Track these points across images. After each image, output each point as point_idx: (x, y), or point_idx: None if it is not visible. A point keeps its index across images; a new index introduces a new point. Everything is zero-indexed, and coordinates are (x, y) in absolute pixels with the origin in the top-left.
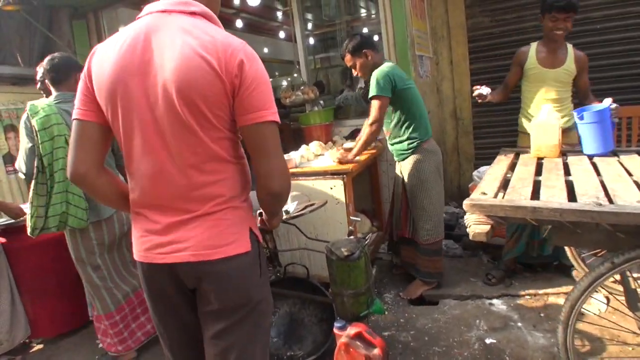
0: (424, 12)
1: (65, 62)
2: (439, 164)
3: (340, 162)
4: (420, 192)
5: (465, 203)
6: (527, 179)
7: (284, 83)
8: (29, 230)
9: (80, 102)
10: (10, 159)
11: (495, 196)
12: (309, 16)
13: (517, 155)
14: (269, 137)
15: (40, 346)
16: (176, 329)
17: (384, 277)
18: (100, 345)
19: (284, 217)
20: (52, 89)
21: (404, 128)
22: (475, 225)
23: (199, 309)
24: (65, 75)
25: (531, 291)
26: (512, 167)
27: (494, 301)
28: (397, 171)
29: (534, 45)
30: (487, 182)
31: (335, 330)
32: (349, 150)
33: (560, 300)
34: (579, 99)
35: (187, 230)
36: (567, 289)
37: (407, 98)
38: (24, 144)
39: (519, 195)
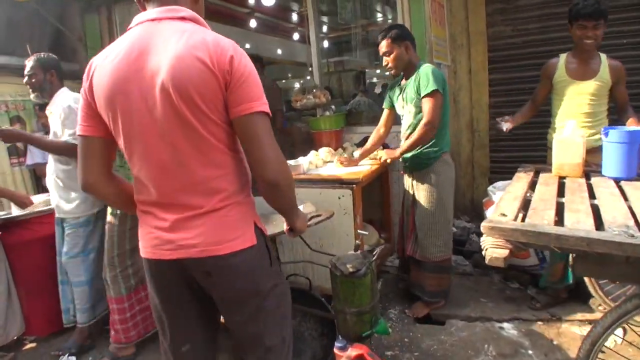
0: (444, 18)
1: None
2: (453, 178)
3: (390, 159)
4: (436, 207)
5: (484, 225)
6: (550, 201)
7: (297, 85)
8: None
9: (82, 118)
10: (15, 150)
11: (516, 218)
12: (325, 19)
13: (537, 173)
14: (260, 126)
15: (34, 344)
16: (181, 325)
17: (390, 292)
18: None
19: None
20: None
21: None
22: (493, 249)
23: (216, 302)
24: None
25: (544, 316)
26: (532, 185)
27: (505, 325)
28: (408, 182)
29: (563, 57)
30: (506, 201)
31: (335, 350)
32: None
33: (575, 329)
34: (617, 114)
35: (194, 227)
36: (582, 316)
37: (446, 105)
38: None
39: (541, 218)
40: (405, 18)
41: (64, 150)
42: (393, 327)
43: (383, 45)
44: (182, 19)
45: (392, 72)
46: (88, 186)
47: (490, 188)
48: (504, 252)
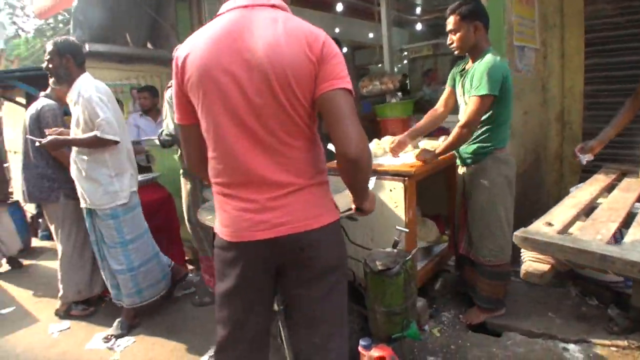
0: None
1: None
2: (511, 176)
3: (424, 160)
4: (484, 207)
5: (516, 235)
6: (620, 211)
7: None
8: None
9: (176, 107)
10: None
11: (564, 230)
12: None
13: (621, 176)
14: (344, 102)
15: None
16: (252, 311)
17: (448, 293)
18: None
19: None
20: None
21: (482, 129)
22: (531, 262)
23: (293, 280)
24: None
25: (620, 342)
26: (610, 189)
27: (570, 346)
28: (460, 174)
29: None
30: (562, 208)
31: (359, 348)
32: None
33: None
34: None
35: (285, 205)
36: None
37: (507, 100)
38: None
39: (596, 232)
40: None
41: (94, 144)
42: (442, 331)
43: (450, 22)
44: (273, 6)
45: (456, 52)
46: (191, 169)
47: (572, 189)
48: (543, 268)
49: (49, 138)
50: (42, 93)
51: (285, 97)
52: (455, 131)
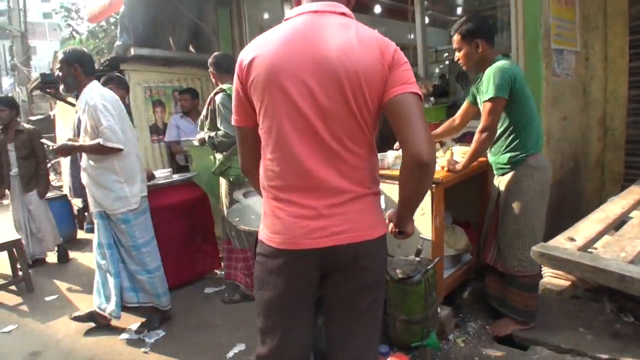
0: None
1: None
2: (545, 184)
3: (448, 170)
4: (517, 216)
5: (534, 250)
6: None
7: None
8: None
9: (235, 108)
10: (155, 129)
11: (587, 246)
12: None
13: None
14: (416, 106)
15: None
16: (297, 321)
17: (476, 303)
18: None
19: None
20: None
21: (509, 138)
22: (551, 278)
23: (340, 289)
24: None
25: None
26: None
27: None
28: (494, 183)
29: None
30: (587, 222)
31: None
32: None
33: None
34: None
35: (344, 212)
36: None
37: (523, 102)
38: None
39: (621, 249)
40: None
41: (97, 151)
42: (467, 341)
43: (454, 40)
44: (343, 14)
45: (463, 68)
46: (245, 171)
47: (612, 199)
48: (563, 284)
49: (60, 143)
50: None
51: (355, 102)
52: (475, 138)
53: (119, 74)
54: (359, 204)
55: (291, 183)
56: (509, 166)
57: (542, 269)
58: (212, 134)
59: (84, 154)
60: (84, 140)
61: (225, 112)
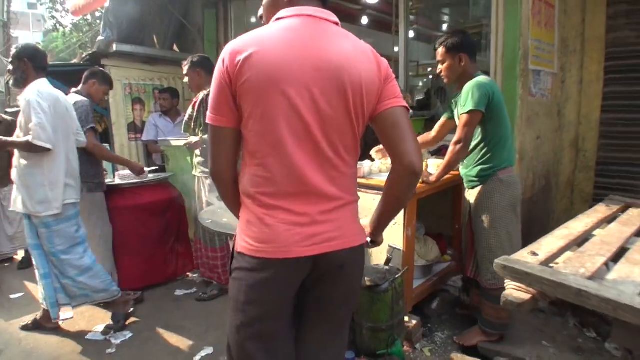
0: (553, 20)
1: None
2: (515, 199)
3: (422, 181)
4: (487, 230)
5: (497, 263)
6: (612, 245)
7: (420, 84)
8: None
9: (215, 105)
10: (133, 127)
11: (549, 260)
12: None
13: (625, 208)
14: (407, 118)
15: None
16: (289, 332)
17: (445, 314)
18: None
19: None
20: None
21: (482, 152)
22: (512, 290)
23: (323, 299)
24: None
25: None
26: (610, 221)
27: None
28: (466, 201)
29: None
30: (551, 238)
31: None
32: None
33: None
34: None
35: (335, 219)
36: None
37: (499, 117)
38: None
39: (581, 265)
40: (499, 18)
41: (25, 148)
42: (434, 351)
43: (438, 53)
44: (336, 23)
45: (445, 80)
46: (215, 173)
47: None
48: (523, 297)
49: None
50: (74, 89)
51: (355, 110)
52: (449, 150)
53: (102, 70)
54: (346, 211)
55: (284, 189)
56: (477, 180)
57: (506, 282)
58: (205, 136)
59: (16, 151)
60: (18, 136)
61: None
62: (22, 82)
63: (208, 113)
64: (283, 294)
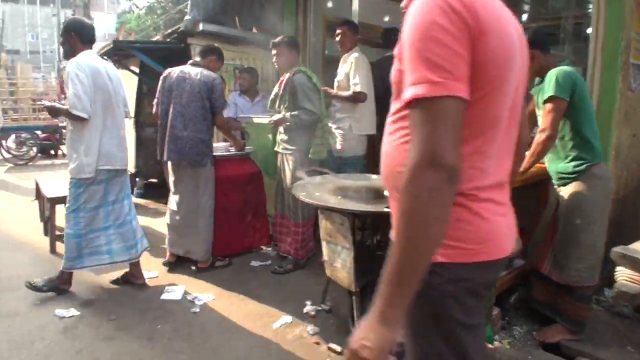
0: None
1: None
2: (607, 194)
3: None
4: (580, 227)
5: (615, 251)
6: None
7: None
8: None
9: (451, 69)
10: None
11: None
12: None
13: None
14: None
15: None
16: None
17: (523, 308)
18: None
19: None
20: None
21: (571, 145)
22: (625, 282)
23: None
24: None
25: None
26: None
27: None
28: (553, 196)
29: None
30: None
31: None
32: None
33: None
34: None
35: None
36: None
37: (585, 108)
38: (316, 97)
39: None
40: (600, 10)
41: (68, 116)
42: (512, 344)
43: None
44: None
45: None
46: (458, 165)
47: None
48: (637, 289)
49: (49, 103)
50: (190, 61)
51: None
52: (535, 139)
53: (218, 47)
54: None
55: (496, 179)
56: (573, 176)
57: (616, 274)
58: (295, 112)
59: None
60: (66, 103)
61: (307, 92)
62: (70, 54)
63: (452, 82)
64: (479, 303)
